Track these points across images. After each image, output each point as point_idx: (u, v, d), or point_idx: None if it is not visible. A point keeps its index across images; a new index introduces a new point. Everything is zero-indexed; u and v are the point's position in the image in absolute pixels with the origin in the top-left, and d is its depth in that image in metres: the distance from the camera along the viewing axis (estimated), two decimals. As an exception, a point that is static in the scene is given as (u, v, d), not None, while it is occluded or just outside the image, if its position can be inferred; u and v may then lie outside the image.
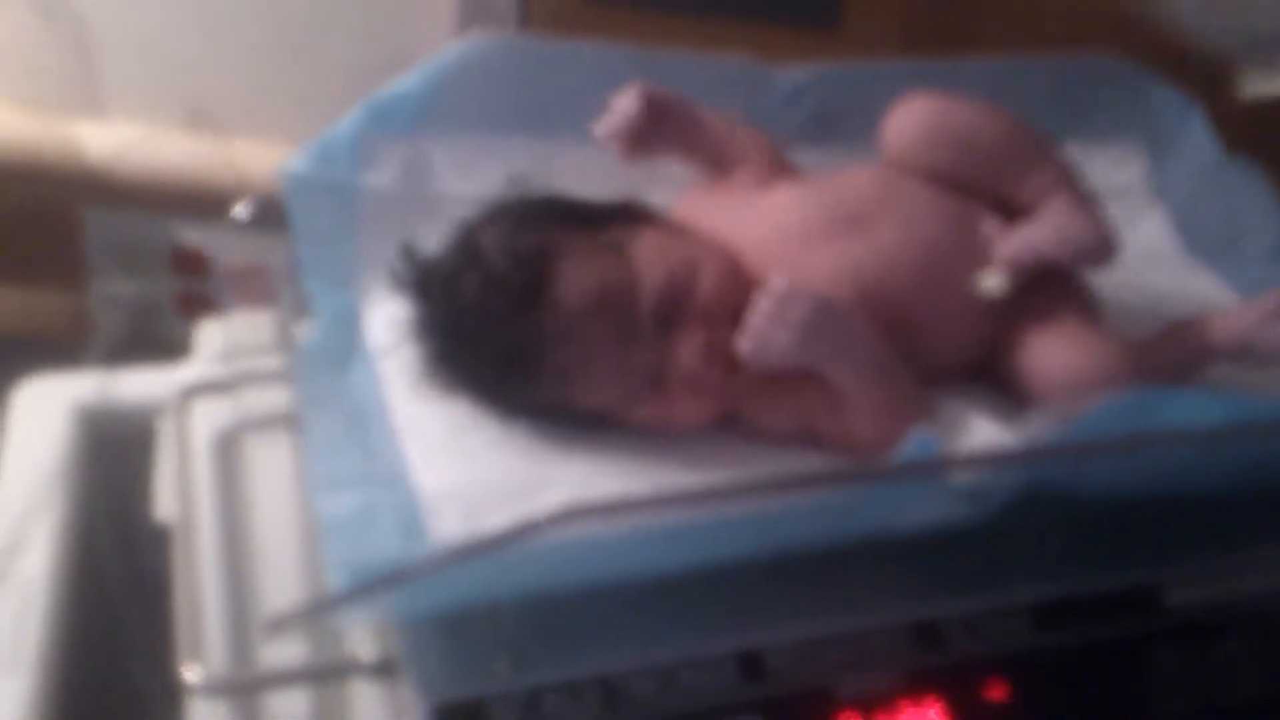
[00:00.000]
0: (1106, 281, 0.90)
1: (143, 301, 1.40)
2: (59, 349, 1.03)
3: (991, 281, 0.81)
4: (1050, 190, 0.84)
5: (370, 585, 0.58)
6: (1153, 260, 1.00)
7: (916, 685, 0.68)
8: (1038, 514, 0.70)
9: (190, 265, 1.38)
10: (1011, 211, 0.85)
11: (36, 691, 0.73)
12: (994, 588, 0.71)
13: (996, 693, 0.69)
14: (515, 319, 0.73)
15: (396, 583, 0.57)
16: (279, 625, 0.64)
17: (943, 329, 0.82)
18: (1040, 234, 0.82)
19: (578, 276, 0.73)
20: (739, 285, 0.77)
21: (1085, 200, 0.84)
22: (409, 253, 0.79)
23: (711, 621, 0.67)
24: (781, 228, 0.82)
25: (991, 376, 0.83)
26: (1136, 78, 1.07)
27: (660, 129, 0.85)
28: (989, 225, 0.84)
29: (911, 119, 0.85)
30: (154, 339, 1.32)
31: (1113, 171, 1.05)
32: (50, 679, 0.74)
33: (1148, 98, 1.07)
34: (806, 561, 0.67)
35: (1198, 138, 1.06)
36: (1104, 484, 0.71)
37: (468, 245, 0.77)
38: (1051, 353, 0.80)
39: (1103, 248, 0.83)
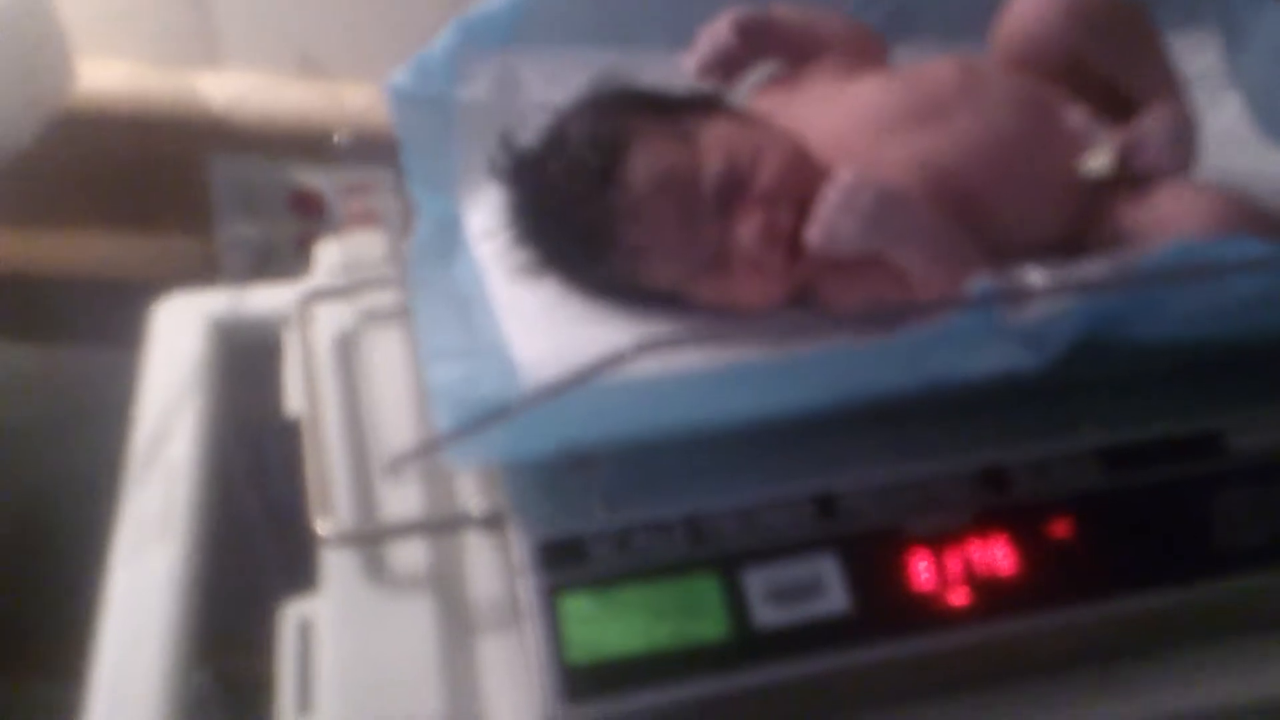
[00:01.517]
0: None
1: (265, 242, 1.48)
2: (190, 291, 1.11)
3: (1097, 162, 0.83)
4: (1157, 90, 0.86)
5: (475, 422, 0.64)
6: (1230, 145, 1.01)
7: (984, 523, 0.71)
8: (1098, 363, 0.73)
9: (307, 207, 1.47)
10: (1111, 104, 0.86)
11: (185, 558, 0.82)
12: (1059, 435, 0.73)
13: (1061, 529, 0.71)
14: (590, 199, 0.79)
15: (498, 419, 0.63)
16: (396, 465, 0.71)
17: (1023, 215, 0.84)
18: (1157, 131, 0.83)
19: (646, 159, 0.78)
20: (804, 172, 0.80)
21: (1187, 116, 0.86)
22: (506, 142, 0.85)
23: (788, 466, 0.71)
24: (859, 118, 0.85)
25: (1072, 253, 0.85)
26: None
27: (755, 53, 0.89)
28: (1077, 115, 0.86)
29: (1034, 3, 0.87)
30: (276, 278, 1.40)
31: (1187, 59, 1.05)
32: (194, 546, 0.82)
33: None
34: (876, 410, 0.71)
35: (1270, 22, 1.06)
36: (1164, 328, 0.73)
37: (556, 133, 0.83)
38: (1180, 212, 0.81)
39: (1184, 166, 0.85)
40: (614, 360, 0.59)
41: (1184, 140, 0.85)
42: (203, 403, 0.93)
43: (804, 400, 0.70)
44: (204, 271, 1.49)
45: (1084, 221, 0.85)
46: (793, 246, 0.79)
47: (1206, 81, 1.06)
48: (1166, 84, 0.87)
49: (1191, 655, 0.70)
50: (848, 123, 0.85)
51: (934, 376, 0.71)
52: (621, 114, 0.82)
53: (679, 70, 0.97)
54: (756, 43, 0.89)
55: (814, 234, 0.77)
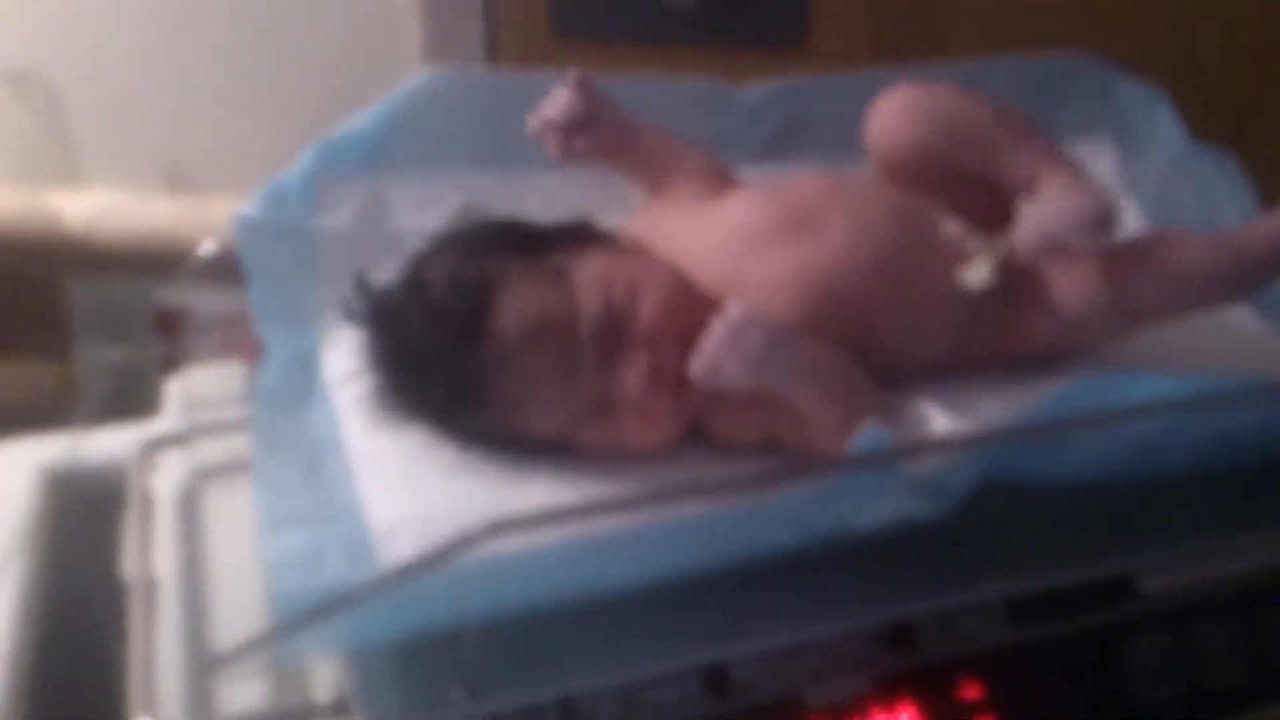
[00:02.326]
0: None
1: (128, 365, 1.40)
2: (44, 418, 1.02)
3: (977, 275, 0.79)
4: (1040, 166, 0.80)
5: (313, 613, 0.56)
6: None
7: (889, 689, 0.66)
8: (1003, 507, 0.69)
9: (173, 326, 1.38)
10: (1000, 197, 0.82)
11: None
12: (965, 585, 0.69)
13: (971, 692, 0.67)
14: (458, 350, 0.72)
15: (339, 609, 0.56)
16: (221, 663, 0.63)
17: (908, 327, 0.80)
18: (1048, 212, 0.78)
19: (517, 305, 0.72)
20: (686, 305, 0.76)
21: (1078, 171, 0.81)
22: (361, 286, 0.79)
23: (673, 636, 0.65)
24: (731, 236, 0.81)
25: (960, 371, 0.82)
26: (1101, 73, 1.07)
27: (594, 127, 0.85)
28: (951, 225, 0.83)
29: (896, 104, 0.84)
30: (140, 403, 1.31)
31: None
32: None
33: (1114, 92, 1.06)
34: (768, 568, 0.66)
35: (1166, 128, 1.05)
36: (1065, 471, 0.69)
37: (415, 277, 0.76)
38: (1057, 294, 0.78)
39: (1108, 214, 0.78)
40: (463, 543, 0.52)
41: (1080, 208, 0.78)
42: (31, 565, 0.84)
43: (686, 565, 0.64)
44: (62, 399, 1.40)
45: (972, 331, 0.81)
46: (680, 386, 0.73)
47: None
48: (1051, 164, 0.81)
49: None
50: (719, 241, 0.81)
51: (827, 532, 0.65)
52: (484, 254, 0.76)
53: (559, 193, 0.92)
54: (596, 114, 0.84)
55: (698, 370, 0.71)
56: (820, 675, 0.65)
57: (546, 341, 0.72)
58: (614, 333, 0.73)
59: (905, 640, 0.67)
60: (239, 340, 1.35)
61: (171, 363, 1.38)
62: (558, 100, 0.84)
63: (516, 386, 0.72)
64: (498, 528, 0.53)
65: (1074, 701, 0.68)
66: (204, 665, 0.62)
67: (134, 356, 1.40)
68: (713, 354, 0.71)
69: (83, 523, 0.89)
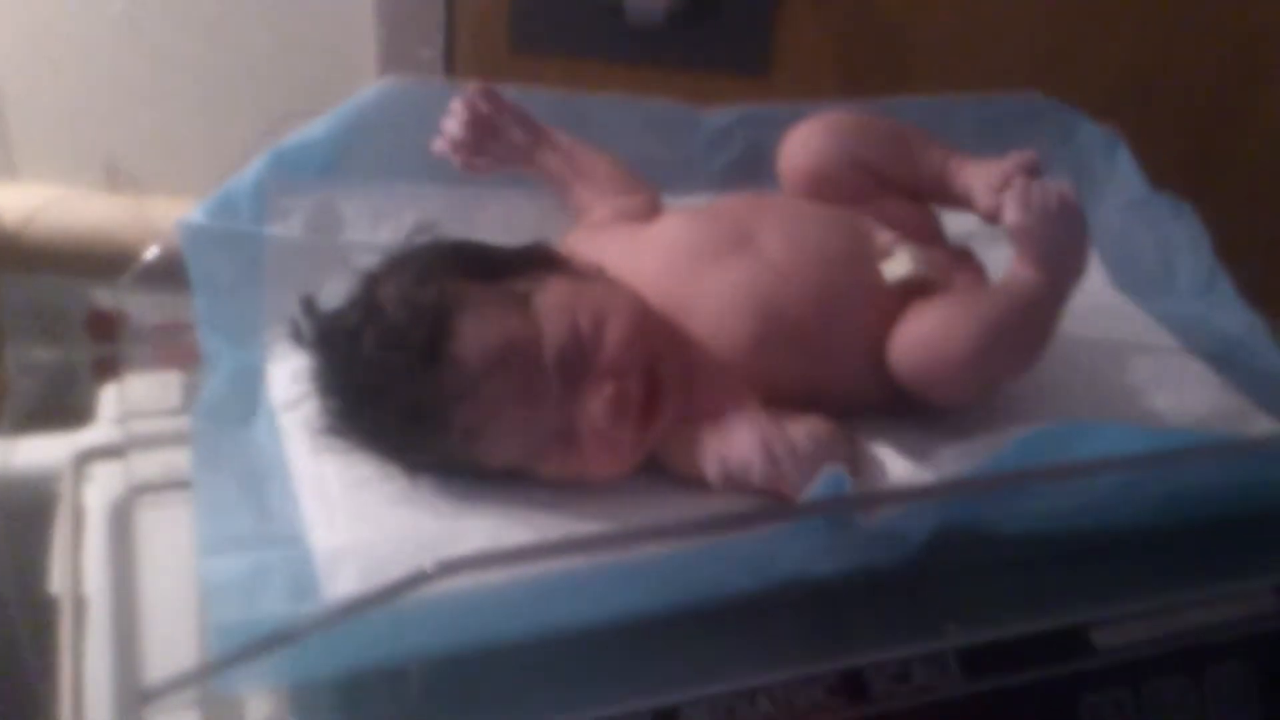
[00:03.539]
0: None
1: (59, 367, 1.35)
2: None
3: (902, 267, 0.80)
4: (948, 158, 0.86)
5: (252, 647, 0.54)
6: (1082, 296, 0.98)
7: (842, 739, 0.65)
8: (959, 556, 0.69)
9: (107, 329, 1.34)
10: (915, 205, 0.88)
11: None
12: (918, 634, 0.68)
13: (924, 744, 0.66)
14: (415, 377, 0.69)
15: (279, 643, 0.54)
16: (155, 696, 0.60)
17: (848, 336, 0.79)
18: (991, 171, 0.83)
19: (479, 332, 0.70)
20: (650, 332, 0.74)
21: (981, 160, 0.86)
22: (309, 306, 0.76)
23: (624, 679, 0.63)
24: (670, 256, 0.80)
25: (913, 408, 0.81)
26: (1062, 115, 1.07)
27: (496, 140, 0.86)
28: (880, 232, 0.84)
29: (814, 126, 0.87)
30: (70, 406, 1.27)
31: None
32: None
33: (1074, 134, 1.07)
34: (723, 613, 0.65)
35: (1124, 173, 1.05)
36: (1022, 521, 0.69)
37: (368, 298, 0.74)
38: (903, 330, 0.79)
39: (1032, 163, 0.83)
40: (414, 582, 0.50)
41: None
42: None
43: (642, 606, 0.62)
44: (-11, 400, 1.35)
45: None
46: (643, 417, 0.72)
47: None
48: (957, 155, 0.87)
49: None
50: (661, 264, 0.80)
51: (782, 577, 0.63)
52: (442, 276, 0.73)
53: (511, 206, 0.90)
54: (498, 125, 0.86)
55: (784, 487, 0.69)
56: (773, 723, 0.64)
57: (509, 369, 0.69)
58: (579, 360, 0.71)
59: (858, 689, 0.66)
60: (177, 348, 1.32)
61: (105, 367, 1.34)
62: (454, 116, 0.84)
63: (476, 415, 0.69)
64: (451, 566, 0.51)
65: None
66: (140, 697, 0.59)
67: (65, 359, 1.35)
68: (796, 472, 0.69)
69: (6, 532, 0.85)
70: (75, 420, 0.94)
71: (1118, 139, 1.06)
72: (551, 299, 0.72)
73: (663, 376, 0.72)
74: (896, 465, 0.72)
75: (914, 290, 0.80)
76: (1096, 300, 0.98)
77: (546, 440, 0.71)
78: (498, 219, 0.89)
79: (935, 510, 0.65)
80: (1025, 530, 0.69)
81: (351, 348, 0.72)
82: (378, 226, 0.88)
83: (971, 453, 0.70)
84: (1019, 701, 0.69)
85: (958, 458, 0.71)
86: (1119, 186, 1.05)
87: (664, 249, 0.81)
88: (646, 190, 0.90)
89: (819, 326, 0.78)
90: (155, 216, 1.31)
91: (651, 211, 0.88)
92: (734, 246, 0.80)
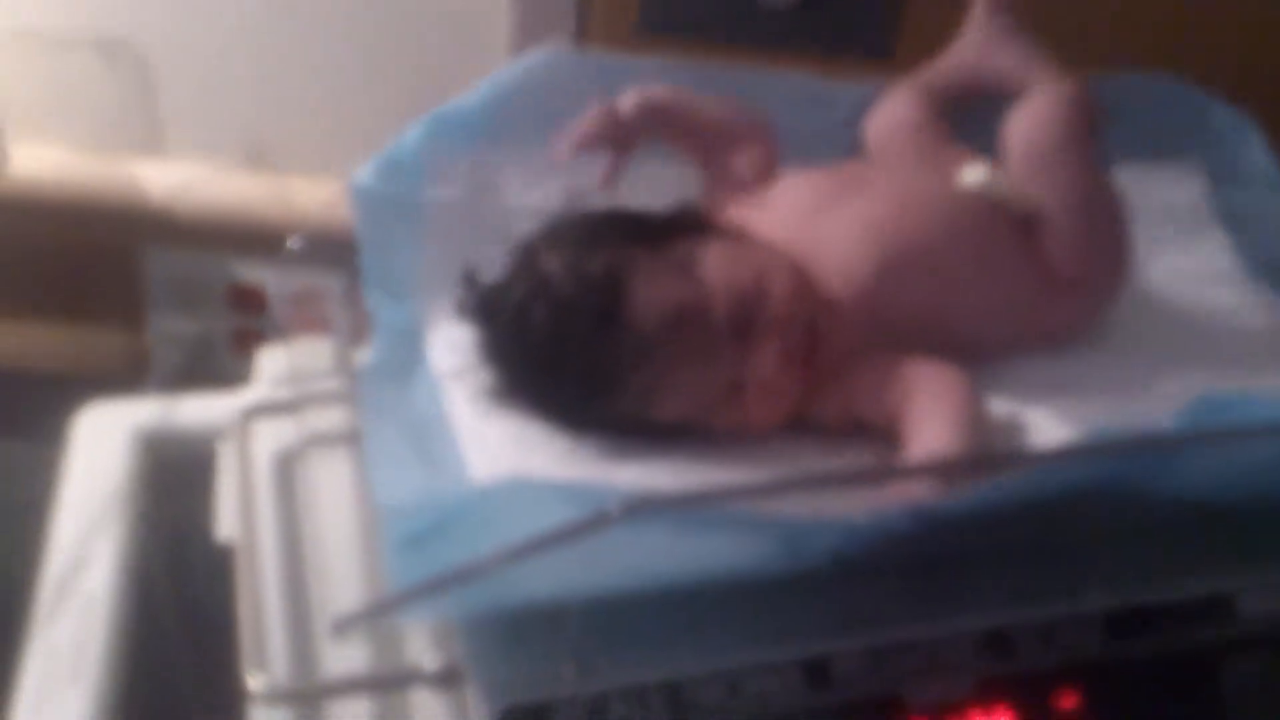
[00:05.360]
0: (1167, 302, 0.91)
1: (200, 338, 1.41)
2: (117, 386, 1.03)
3: (975, 173, 0.85)
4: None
5: (434, 582, 0.57)
6: (1213, 281, 0.98)
7: (986, 693, 0.66)
8: (1106, 518, 0.69)
9: (246, 302, 1.39)
10: None
11: (97, 702, 0.73)
12: (1066, 596, 0.69)
13: (1067, 701, 0.67)
14: (592, 343, 0.74)
15: (461, 579, 0.56)
16: (345, 626, 0.63)
17: (968, 263, 0.83)
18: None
19: (651, 296, 0.74)
20: (808, 287, 0.78)
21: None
22: (472, 280, 0.79)
23: (778, 626, 0.65)
24: (790, 212, 0.84)
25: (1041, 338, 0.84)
26: (1194, 97, 1.06)
27: (657, 133, 0.88)
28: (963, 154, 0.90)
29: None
30: (209, 376, 1.32)
31: (1172, 192, 1.04)
32: (110, 691, 0.74)
33: (1206, 117, 1.06)
34: (875, 568, 0.66)
35: (1257, 158, 1.04)
36: (1173, 487, 0.69)
37: (532, 271, 0.77)
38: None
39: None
40: (598, 522, 0.52)
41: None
42: (125, 525, 0.85)
43: (797, 563, 0.64)
44: (134, 368, 1.41)
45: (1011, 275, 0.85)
46: (806, 366, 0.76)
47: (1191, 216, 1.04)
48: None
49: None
50: (783, 218, 0.83)
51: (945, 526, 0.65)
52: (606, 245, 0.76)
53: (658, 171, 0.92)
54: (656, 124, 0.87)
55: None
56: (921, 675, 0.66)
57: (683, 330, 0.74)
58: (747, 318, 0.75)
59: (1004, 647, 0.67)
60: (310, 318, 1.37)
61: (243, 337, 1.40)
62: (601, 116, 0.85)
63: (655, 374, 0.74)
64: (633, 509, 0.53)
65: (1169, 718, 0.68)
66: (334, 626, 0.62)
67: (206, 329, 1.41)
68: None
69: (174, 486, 0.90)
70: (216, 386, 0.98)
71: (1251, 124, 1.05)
72: (714, 260, 0.76)
73: (820, 327, 0.77)
74: (1044, 428, 0.74)
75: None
76: (1229, 286, 0.98)
77: (719, 394, 0.75)
78: (645, 186, 0.91)
79: (1083, 468, 0.66)
80: (1174, 496, 0.69)
81: (521, 320, 0.75)
82: (531, 191, 0.91)
83: (1122, 411, 0.71)
84: (1161, 666, 0.69)
85: (1105, 420, 0.72)
86: (1251, 172, 1.05)
87: (785, 208, 0.84)
88: (759, 136, 0.91)
89: (938, 254, 0.81)
90: (295, 196, 1.35)
91: (768, 160, 0.90)
92: (848, 191, 0.84)
